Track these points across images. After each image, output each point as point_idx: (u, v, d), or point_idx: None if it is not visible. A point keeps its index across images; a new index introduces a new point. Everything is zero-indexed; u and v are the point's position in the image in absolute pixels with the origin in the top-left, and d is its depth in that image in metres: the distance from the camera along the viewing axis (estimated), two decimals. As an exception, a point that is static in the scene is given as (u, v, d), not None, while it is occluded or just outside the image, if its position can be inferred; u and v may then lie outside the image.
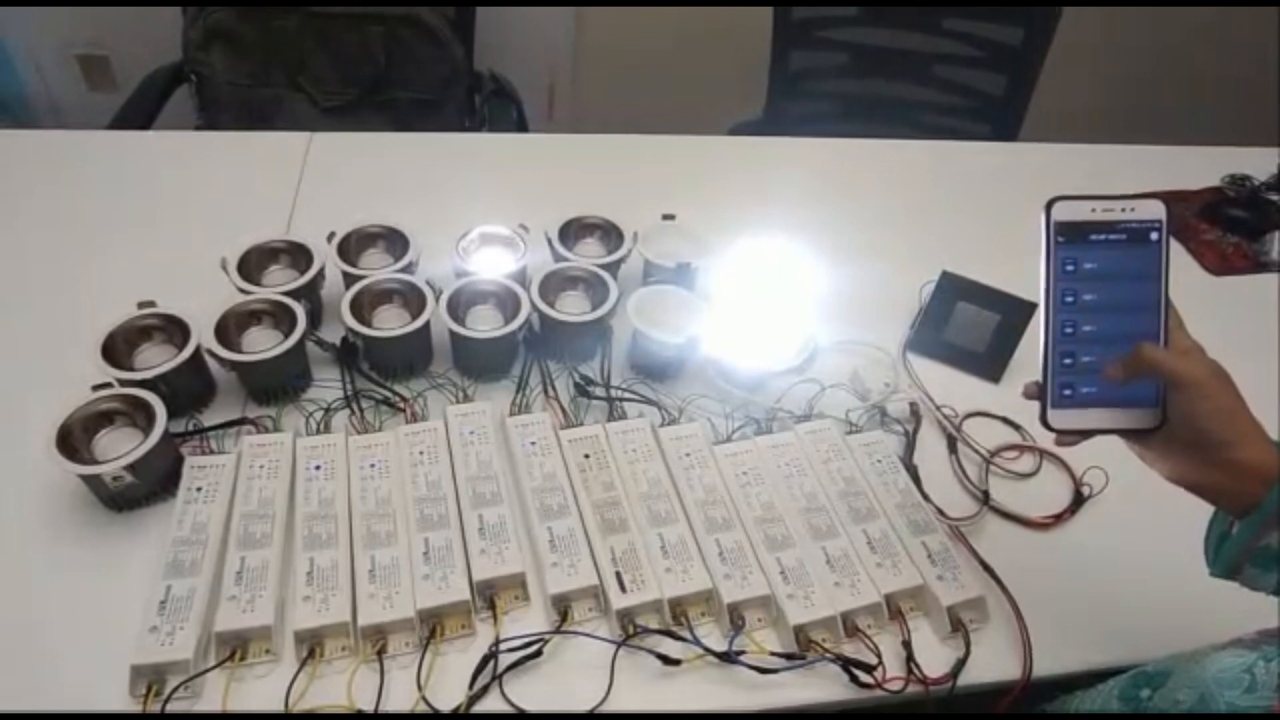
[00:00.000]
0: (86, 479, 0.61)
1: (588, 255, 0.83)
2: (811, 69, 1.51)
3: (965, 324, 0.84)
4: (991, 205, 1.12)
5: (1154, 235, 0.52)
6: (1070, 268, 0.52)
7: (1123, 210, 0.52)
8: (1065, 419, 0.53)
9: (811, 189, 1.10)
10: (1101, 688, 0.56)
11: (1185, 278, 1.03)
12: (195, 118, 1.51)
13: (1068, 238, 0.52)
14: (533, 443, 0.70)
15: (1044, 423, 0.53)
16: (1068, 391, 0.52)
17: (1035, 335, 0.80)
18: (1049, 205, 0.52)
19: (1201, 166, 1.18)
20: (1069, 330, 0.52)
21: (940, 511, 0.69)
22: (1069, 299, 0.52)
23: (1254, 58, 2.08)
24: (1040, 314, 0.53)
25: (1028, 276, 0.83)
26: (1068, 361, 0.52)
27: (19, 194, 0.95)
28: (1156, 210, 0.52)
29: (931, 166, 1.19)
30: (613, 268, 0.82)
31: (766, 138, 1.23)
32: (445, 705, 0.54)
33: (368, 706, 0.54)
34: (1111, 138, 1.26)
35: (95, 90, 1.84)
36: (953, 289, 0.85)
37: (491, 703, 0.55)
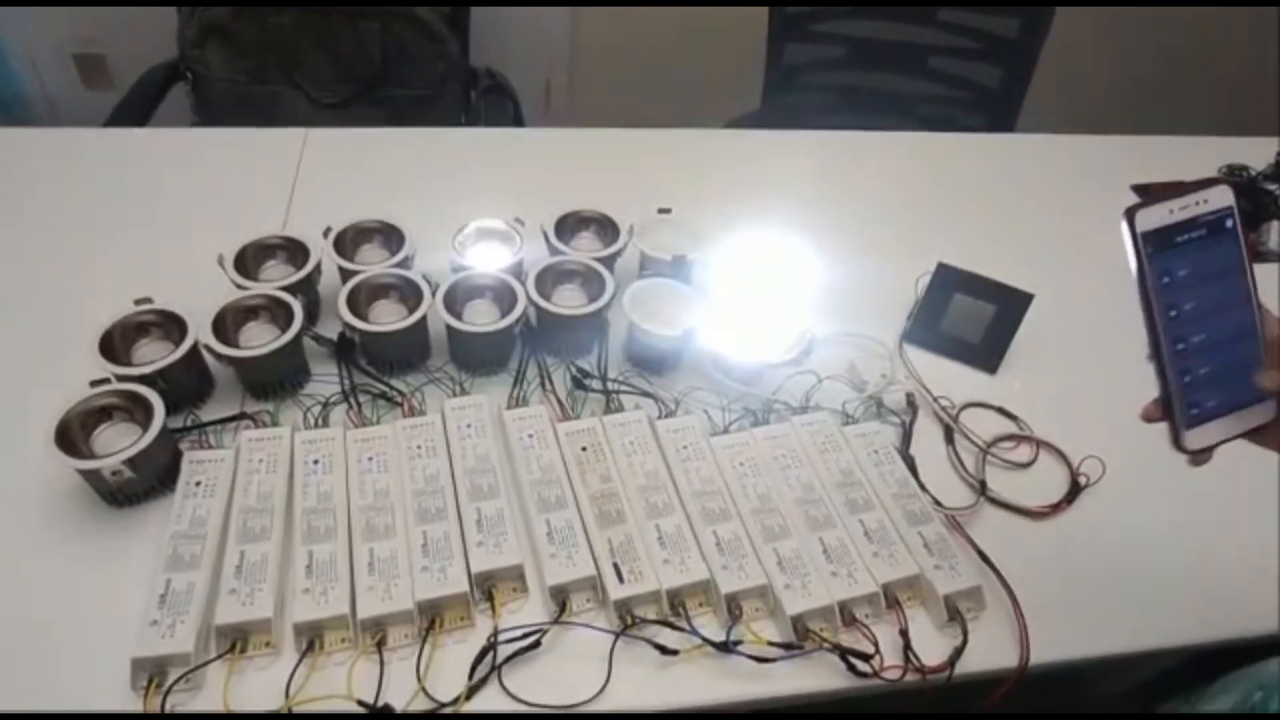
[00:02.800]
0: (85, 474, 0.61)
1: (584, 249, 0.83)
2: (807, 62, 1.51)
3: (962, 315, 0.84)
4: (988, 197, 1.12)
5: (1229, 223, 0.49)
6: (1167, 279, 0.48)
7: (1197, 204, 0.48)
8: (1199, 438, 0.50)
9: (807, 182, 1.10)
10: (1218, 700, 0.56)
11: (1182, 268, 1.03)
12: (191, 115, 1.51)
13: (1156, 247, 0.47)
14: (530, 436, 0.70)
15: (1178, 446, 0.50)
16: (1195, 410, 0.49)
17: (1032, 325, 0.82)
18: (1130, 216, 0.47)
19: (1199, 157, 1.18)
20: (1181, 347, 0.48)
21: (937, 502, 0.69)
22: (1173, 314, 0.48)
23: (1251, 48, 2.08)
24: (1147, 334, 0.48)
25: (1023, 268, 0.84)
26: (1188, 380, 0.49)
27: (16, 192, 0.95)
28: (1226, 196, 0.48)
29: (928, 159, 1.19)
30: (609, 261, 0.82)
31: (762, 131, 1.23)
32: (445, 696, 0.55)
33: (368, 698, 0.54)
34: (1108, 129, 1.26)
35: (92, 88, 1.84)
36: (949, 281, 0.85)
37: (491, 694, 0.56)
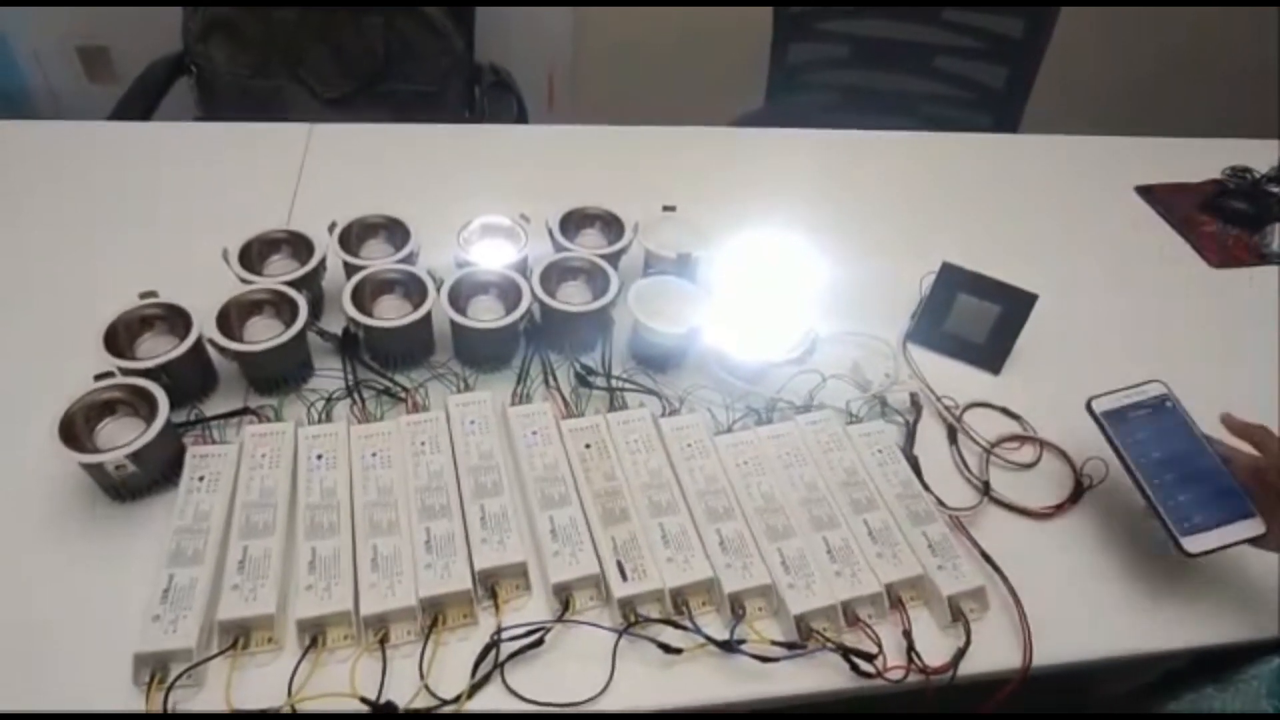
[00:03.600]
0: (89, 468, 0.61)
1: (589, 246, 0.83)
2: (811, 61, 1.51)
3: (966, 315, 0.84)
4: (992, 197, 1.12)
5: (1168, 404, 0.68)
6: (1130, 440, 0.67)
7: (1139, 395, 0.69)
8: (1196, 544, 0.63)
9: (812, 181, 1.10)
10: (1243, 686, 0.58)
11: (1186, 271, 1.03)
12: (195, 109, 1.51)
13: (1115, 421, 0.68)
14: (534, 433, 0.70)
15: (1181, 551, 0.63)
16: (1186, 524, 0.63)
17: (1036, 325, 0.82)
18: (1089, 404, 0.69)
19: (1202, 158, 1.18)
20: (1156, 482, 0.65)
21: (940, 502, 0.69)
22: (1142, 461, 0.66)
23: (1255, 49, 2.08)
24: (1130, 479, 0.66)
25: (1027, 268, 0.84)
26: (1171, 504, 0.64)
27: (19, 185, 0.95)
28: (1159, 389, 0.69)
29: (932, 158, 1.19)
30: (614, 258, 0.82)
31: (767, 129, 1.23)
32: (448, 694, 0.55)
33: (370, 695, 0.54)
34: (1113, 129, 1.26)
35: (95, 82, 1.83)
36: (953, 280, 0.85)
37: (493, 692, 0.56)
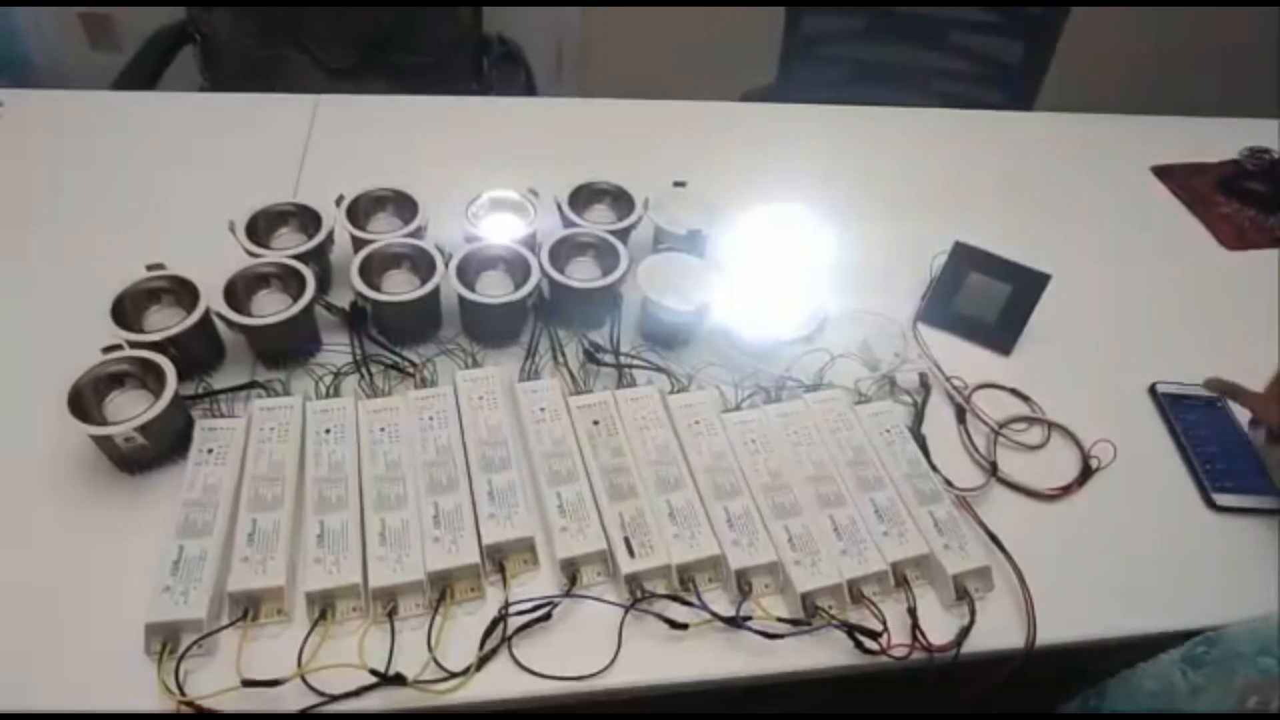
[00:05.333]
0: (98, 440, 0.61)
1: (598, 221, 0.83)
2: (824, 34, 1.49)
3: (977, 295, 0.83)
4: (1006, 175, 1.11)
5: (1219, 404, 0.81)
6: (1183, 420, 0.79)
7: (1195, 390, 0.81)
8: (1227, 500, 0.73)
9: (824, 156, 1.09)
10: (1164, 658, 0.61)
11: (1201, 253, 1.02)
12: (200, 78, 1.49)
13: (1173, 402, 0.81)
14: (542, 409, 0.70)
15: (1210, 504, 0.73)
16: (1218, 482, 0.74)
17: (1048, 306, 0.81)
18: (1152, 389, 0.82)
19: (1220, 138, 1.16)
20: (1199, 449, 0.77)
21: (948, 482, 0.69)
22: (1192, 434, 0.78)
23: (1276, 27, 2.04)
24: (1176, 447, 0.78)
25: (1040, 248, 0.84)
26: (1208, 467, 0.76)
27: (23, 156, 0.95)
28: (1210, 391, 0.80)
29: (946, 135, 1.17)
30: (623, 234, 0.81)
31: (778, 104, 1.22)
32: (455, 666, 0.55)
33: (379, 667, 0.54)
34: (1129, 108, 1.24)
35: (97, 49, 1.81)
36: (965, 259, 0.84)
37: (501, 665, 0.56)
